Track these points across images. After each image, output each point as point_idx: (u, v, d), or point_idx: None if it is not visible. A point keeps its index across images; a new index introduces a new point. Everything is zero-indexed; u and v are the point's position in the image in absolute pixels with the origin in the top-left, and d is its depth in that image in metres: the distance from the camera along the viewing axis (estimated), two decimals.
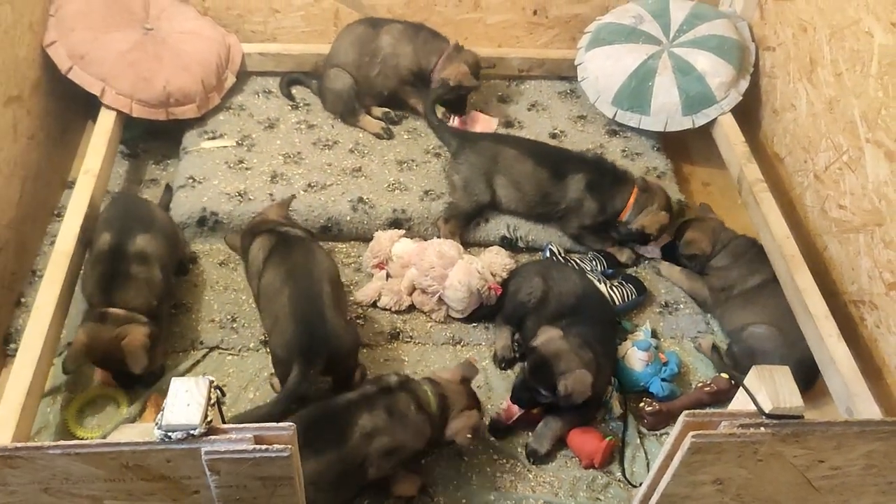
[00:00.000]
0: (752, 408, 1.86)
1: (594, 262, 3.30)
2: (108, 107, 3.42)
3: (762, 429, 1.83)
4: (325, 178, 3.47)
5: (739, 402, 1.98)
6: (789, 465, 1.95)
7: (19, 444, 1.73)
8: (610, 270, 3.31)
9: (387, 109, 3.80)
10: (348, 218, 3.35)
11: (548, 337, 2.70)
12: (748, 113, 3.80)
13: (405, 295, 3.14)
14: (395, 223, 3.36)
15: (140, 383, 2.79)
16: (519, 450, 2.76)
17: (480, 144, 3.46)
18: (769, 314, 3.03)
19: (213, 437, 1.70)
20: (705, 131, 3.75)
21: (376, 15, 3.89)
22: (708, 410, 2.67)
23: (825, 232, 3.24)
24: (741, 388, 1.92)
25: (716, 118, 3.68)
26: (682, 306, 3.27)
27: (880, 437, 1.90)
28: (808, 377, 2.87)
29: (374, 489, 2.55)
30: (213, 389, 1.73)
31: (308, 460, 2.25)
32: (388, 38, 3.69)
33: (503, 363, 3.00)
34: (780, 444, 1.86)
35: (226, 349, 2.98)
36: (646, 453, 2.78)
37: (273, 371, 2.79)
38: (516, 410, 2.76)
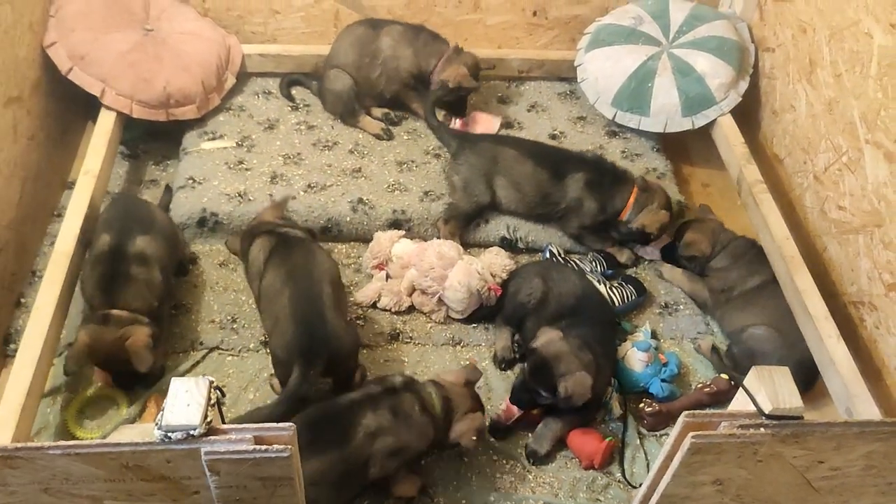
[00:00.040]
0: (752, 408, 1.86)
1: (594, 263, 3.30)
2: (108, 107, 3.43)
3: (762, 429, 1.83)
4: (325, 178, 3.47)
5: (739, 402, 1.98)
6: (789, 466, 1.95)
7: (19, 445, 1.74)
8: (610, 271, 3.31)
9: (387, 110, 3.81)
10: (348, 219, 3.35)
11: (548, 338, 2.70)
12: (748, 114, 3.81)
13: (405, 296, 3.14)
14: (394, 224, 3.36)
15: (140, 384, 2.79)
16: (519, 450, 2.76)
17: (480, 145, 3.47)
18: (769, 315, 3.03)
19: (212, 437, 1.70)
20: (705, 132, 3.75)
21: (376, 16, 3.89)
22: (708, 411, 2.68)
23: (825, 233, 3.24)
24: (741, 388, 1.92)
25: (715, 119, 3.68)
26: (681, 307, 3.28)
27: (880, 437, 1.90)
28: (808, 378, 2.87)
29: (374, 489, 2.55)
30: (213, 390, 1.73)
31: (311, 459, 2.26)
32: (388, 40, 3.70)
33: (503, 364, 3.00)
34: (779, 445, 1.87)
35: (226, 350, 2.98)
36: (645, 454, 2.78)
37: (273, 372, 2.79)
38: (515, 411, 2.76)
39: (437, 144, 3.67)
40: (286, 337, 2.61)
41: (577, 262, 3.32)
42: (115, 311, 2.67)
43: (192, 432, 1.68)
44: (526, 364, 2.72)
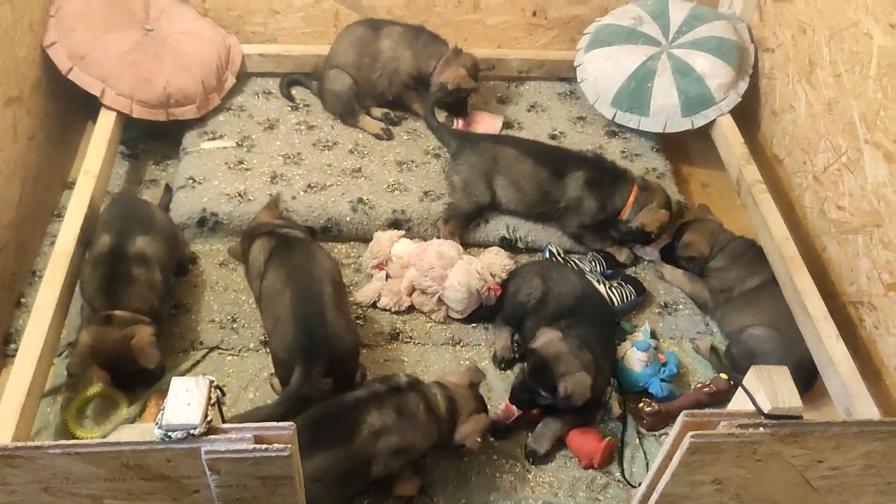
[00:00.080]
0: (751, 408, 1.86)
1: (593, 263, 3.31)
2: (108, 107, 3.43)
3: (761, 429, 1.83)
4: (325, 178, 3.47)
5: (738, 402, 1.98)
6: (788, 466, 1.95)
7: (19, 444, 1.74)
8: (609, 271, 3.31)
9: (386, 110, 3.81)
10: (348, 218, 3.35)
11: (547, 339, 2.70)
12: (747, 114, 3.81)
13: (405, 295, 3.14)
14: (394, 224, 3.36)
15: (140, 384, 2.79)
16: (518, 450, 2.76)
17: (480, 145, 3.47)
18: (768, 316, 3.03)
19: (213, 436, 1.70)
20: (704, 132, 3.76)
21: (376, 16, 3.89)
22: (707, 410, 2.67)
23: (824, 233, 3.24)
24: (740, 388, 1.92)
25: (715, 119, 3.69)
26: (681, 307, 3.28)
27: (879, 437, 1.90)
28: (807, 379, 2.87)
29: (373, 488, 2.55)
30: (213, 389, 1.73)
31: (315, 455, 2.27)
32: (388, 41, 3.70)
33: (503, 364, 3.00)
34: (778, 445, 1.87)
35: (226, 349, 2.98)
36: (645, 454, 2.79)
37: (273, 371, 2.79)
38: (514, 410, 2.76)
39: (437, 144, 3.68)
40: (287, 337, 2.61)
41: (577, 261, 3.32)
42: (117, 312, 2.67)
43: (192, 431, 1.68)
44: (525, 364, 2.73)
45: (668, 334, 3.18)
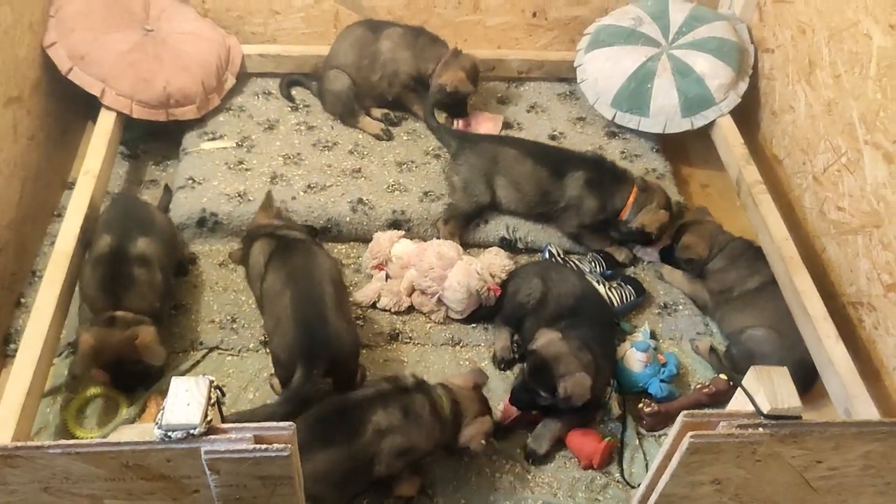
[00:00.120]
0: (751, 408, 1.86)
1: (593, 264, 3.31)
2: (108, 108, 3.43)
3: (760, 429, 1.83)
4: (325, 179, 3.47)
5: (738, 402, 1.98)
6: (787, 466, 1.95)
7: (19, 444, 1.74)
8: (609, 272, 3.31)
9: (386, 111, 3.81)
10: (348, 219, 3.35)
11: (547, 339, 2.70)
12: (747, 115, 3.81)
13: (404, 296, 3.14)
14: (394, 224, 3.36)
15: (140, 386, 2.79)
16: (518, 450, 2.76)
17: (480, 146, 3.47)
18: (768, 317, 3.03)
19: (212, 436, 1.71)
20: (704, 133, 3.76)
21: (376, 17, 3.89)
22: (706, 411, 2.67)
23: (824, 234, 3.24)
24: (739, 388, 1.92)
25: (715, 120, 3.69)
26: (680, 307, 3.28)
27: (878, 437, 1.90)
28: (807, 380, 2.87)
29: (373, 489, 2.55)
30: (213, 389, 1.73)
31: (319, 453, 2.27)
32: (388, 43, 3.70)
33: (502, 364, 3.00)
34: (778, 445, 1.87)
35: (225, 350, 2.98)
36: (644, 454, 2.79)
37: (273, 372, 2.80)
38: (513, 411, 2.76)
39: (437, 145, 3.68)
40: (287, 338, 2.62)
41: (577, 262, 3.32)
42: (119, 313, 2.67)
43: (192, 431, 1.68)
44: (525, 365, 2.73)
45: (668, 335, 3.18)
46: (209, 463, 1.72)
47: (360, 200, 3.39)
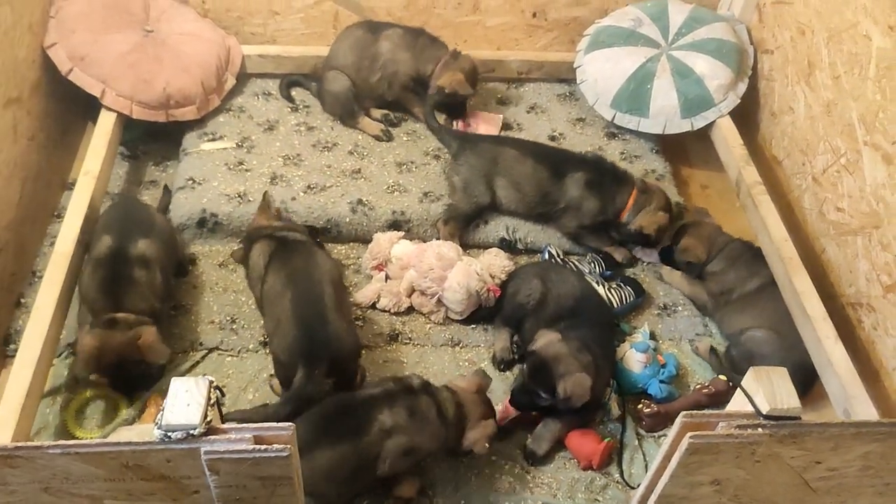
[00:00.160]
0: (750, 409, 1.86)
1: (593, 265, 3.31)
2: (108, 108, 3.43)
3: (760, 430, 1.83)
4: (325, 179, 3.47)
5: (737, 403, 1.98)
6: (787, 466, 1.95)
7: (19, 444, 1.74)
8: (608, 272, 3.32)
9: (386, 111, 3.81)
10: (347, 220, 3.35)
11: (547, 340, 2.70)
12: (746, 116, 3.81)
13: (404, 296, 3.14)
14: (394, 225, 3.37)
15: (140, 387, 2.79)
16: (517, 451, 2.76)
17: (480, 146, 3.47)
18: (767, 318, 3.04)
19: (212, 436, 1.71)
20: (704, 134, 3.76)
21: (375, 17, 3.90)
22: (706, 411, 2.68)
23: (823, 234, 3.25)
24: (739, 389, 1.93)
25: (714, 121, 3.69)
26: (680, 308, 3.28)
27: (877, 438, 1.90)
28: (806, 381, 2.87)
29: (373, 489, 2.55)
30: (212, 390, 1.73)
31: (326, 450, 2.27)
32: (387, 44, 3.70)
33: (502, 365, 3.00)
34: (777, 445, 1.87)
35: (225, 350, 2.98)
36: (644, 455, 2.79)
37: (273, 372, 2.80)
38: (512, 411, 2.76)
39: (437, 145, 3.68)
40: (288, 339, 2.62)
41: (576, 263, 3.32)
42: (120, 315, 2.67)
43: (191, 432, 1.68)
44: (525, 366, 2.73)
45: (668, 335, 3.19)
46: (209, 463, 1.72)
47: (360, 201, 3.39)
